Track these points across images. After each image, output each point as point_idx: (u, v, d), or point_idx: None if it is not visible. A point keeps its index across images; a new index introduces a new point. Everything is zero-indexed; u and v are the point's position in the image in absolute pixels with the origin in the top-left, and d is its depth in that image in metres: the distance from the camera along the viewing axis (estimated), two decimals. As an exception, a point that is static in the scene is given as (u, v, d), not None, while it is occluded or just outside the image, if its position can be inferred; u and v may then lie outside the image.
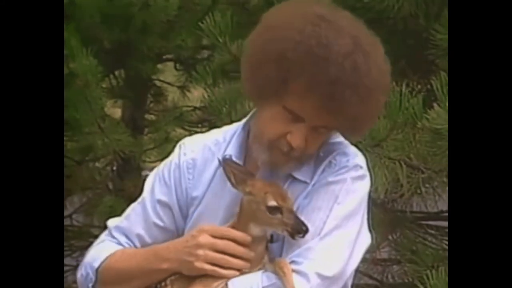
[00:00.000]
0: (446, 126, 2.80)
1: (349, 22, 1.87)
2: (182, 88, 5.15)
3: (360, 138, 2.68)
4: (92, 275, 2.00)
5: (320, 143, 1.93)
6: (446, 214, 3.71)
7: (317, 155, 1.95)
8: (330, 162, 1.94)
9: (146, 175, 2.10)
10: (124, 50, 4.37)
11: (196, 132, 2.80)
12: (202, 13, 3.93)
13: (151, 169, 2.19)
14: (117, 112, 5.10)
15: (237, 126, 2.05)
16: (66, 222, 4.65)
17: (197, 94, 4.84)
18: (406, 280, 3.62)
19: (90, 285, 2.01)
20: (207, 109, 3.63)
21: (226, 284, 1.86)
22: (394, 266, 3.87)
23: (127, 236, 2.04)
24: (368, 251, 1.98)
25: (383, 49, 1.90)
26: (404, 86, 2.92)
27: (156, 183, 2.04)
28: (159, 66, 4.81)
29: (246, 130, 2.02)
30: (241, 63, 1.94)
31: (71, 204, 4.71)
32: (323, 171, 1.94)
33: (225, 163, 1.92)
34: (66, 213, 4.61)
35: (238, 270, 1.86)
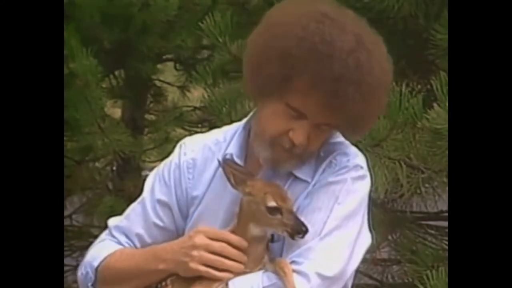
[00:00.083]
0: (446, 126, 2.80)
1: (352, 20, 1.87)
2: (182, 88, 5.15)
3: (360, 138, 2.68)
4: (91, 274, 2.01)
5: (321, 141, 1.93)
6: (446, 214, 3.71)
7: (318, 154, 1.95)
8: (330, 162, 1.94)
9: (146, 175, 2.10)
10: (124, 50, 4.37)
11: (196, 132, 2.80)
12: (202, 13, 3.92)
13: (151, 169, 2.19)
14: (117, 112, 5.11)
15: (237, 125, 2.05)
16: (66, 222, 4.65)
17: (197, 94, 4.85)
18: (406, 280, 3.62)
19: (90, 284, 2.01)
20: (207, 109, 3.62)
21: (227, 284, 1.86)
22: (394, 266, 3.87)
23: (127, 236, 2.04)
24: (368, 251, 1.98)
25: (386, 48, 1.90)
26: (404, 86, 2.92)
27: (156, 183, 2.04)
28: (159, 66, 4.81)
29: (247, 129, 2.02)
30: (244, 61, 1.94)
31: (71, 204, 4.70)
32: (324, 171, 1.94)
33: (225, 163, 1.92)
34: (66, 213, 4.60)
35: (232, 272, 1.86)
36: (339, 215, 1.89)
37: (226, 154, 1.97)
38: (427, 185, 3.19)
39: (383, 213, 3.48)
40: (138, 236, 2.03)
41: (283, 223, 1.84)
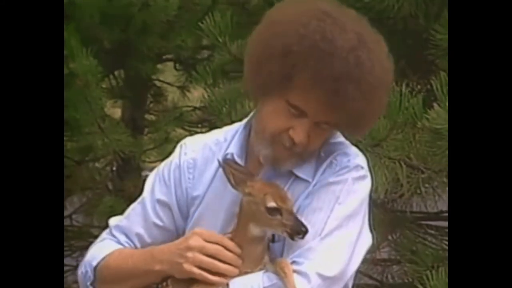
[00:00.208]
0: (446, 126, 2.80)
1: (353, 19, 1.87)
2: (182, 88, 5.15)
3: (360, 138, 2.68)
4: (90, 273, 2.01)
5: (322, 140, 1.93)
6: (446, 214, 3.71)
7: (318, 155, 1.95)
8: (331, 162, 1.94)
9: (146, 175, 2.11)
10: (124, 50, 4.37)
11: (196, 132, 2.80)
12: (202, 13, 3.92)
13: (151, 169, 2.19)
14: (117, 112, 5.11)
15: (238, 125, 2.05)
16: (66, 222, 4.64)
17: (197, 94, 4.85)
18: (406, 281, 3.62)
19: (89, 283, 2.01)
20: (207, 109, 3.62)
21: (227, 284, 1.86)
22: (394, 266, 3.87)
23: (126, 235, 2.04)
24: (368, 251, 1.98)
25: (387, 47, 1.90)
26: (404, 86, 2.92)
27: (156, 183, 2.04)
28: (159, 66, 4.81)
29: (248, 129, 2.02)
30: (245, 60, 1.94)
31: (71, 204, 4.70)
32: (324, 171, 1.94)
33: (225, 163, 1.92)
34: (66, 213, 4.60)
35: (225, 276, 1.85)
36: (339, 215, 1.89)
37: (227, 154, 1.97)
38: (427, 185, 3.19)
39: (383, 213, 3.48)
40: (138, 235, 2.03)
41: (283, 224, 1.83)
